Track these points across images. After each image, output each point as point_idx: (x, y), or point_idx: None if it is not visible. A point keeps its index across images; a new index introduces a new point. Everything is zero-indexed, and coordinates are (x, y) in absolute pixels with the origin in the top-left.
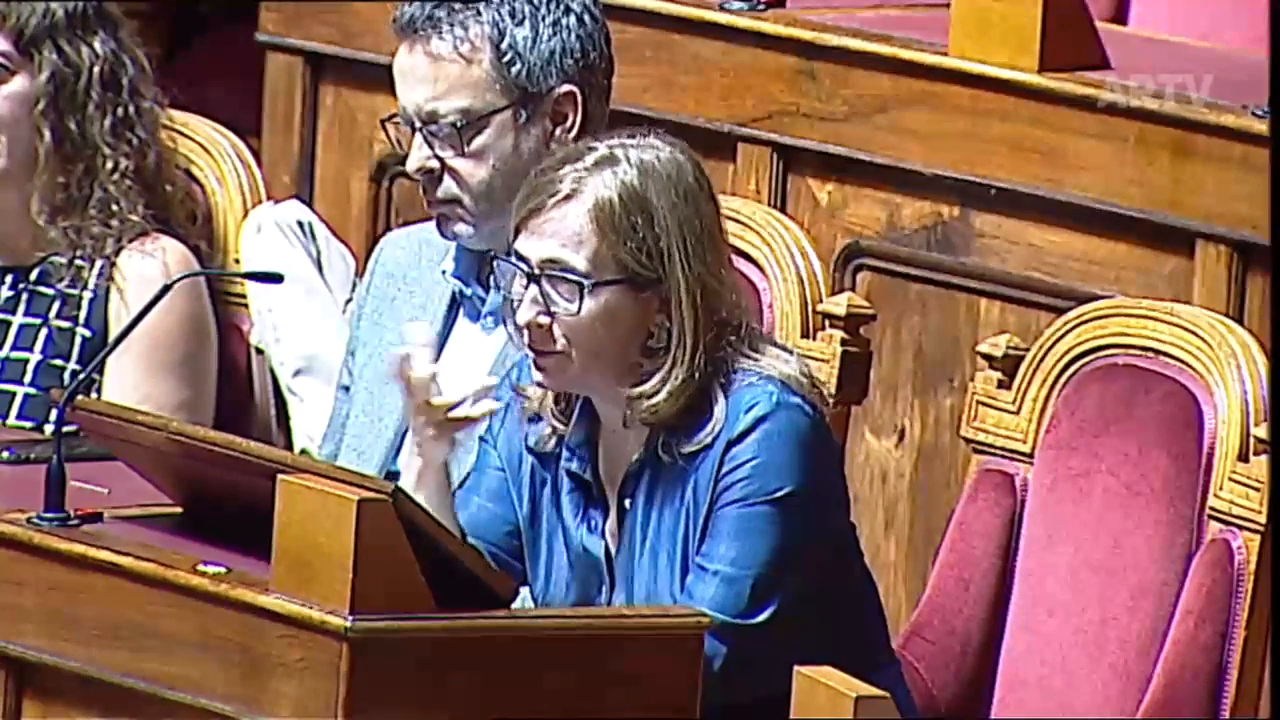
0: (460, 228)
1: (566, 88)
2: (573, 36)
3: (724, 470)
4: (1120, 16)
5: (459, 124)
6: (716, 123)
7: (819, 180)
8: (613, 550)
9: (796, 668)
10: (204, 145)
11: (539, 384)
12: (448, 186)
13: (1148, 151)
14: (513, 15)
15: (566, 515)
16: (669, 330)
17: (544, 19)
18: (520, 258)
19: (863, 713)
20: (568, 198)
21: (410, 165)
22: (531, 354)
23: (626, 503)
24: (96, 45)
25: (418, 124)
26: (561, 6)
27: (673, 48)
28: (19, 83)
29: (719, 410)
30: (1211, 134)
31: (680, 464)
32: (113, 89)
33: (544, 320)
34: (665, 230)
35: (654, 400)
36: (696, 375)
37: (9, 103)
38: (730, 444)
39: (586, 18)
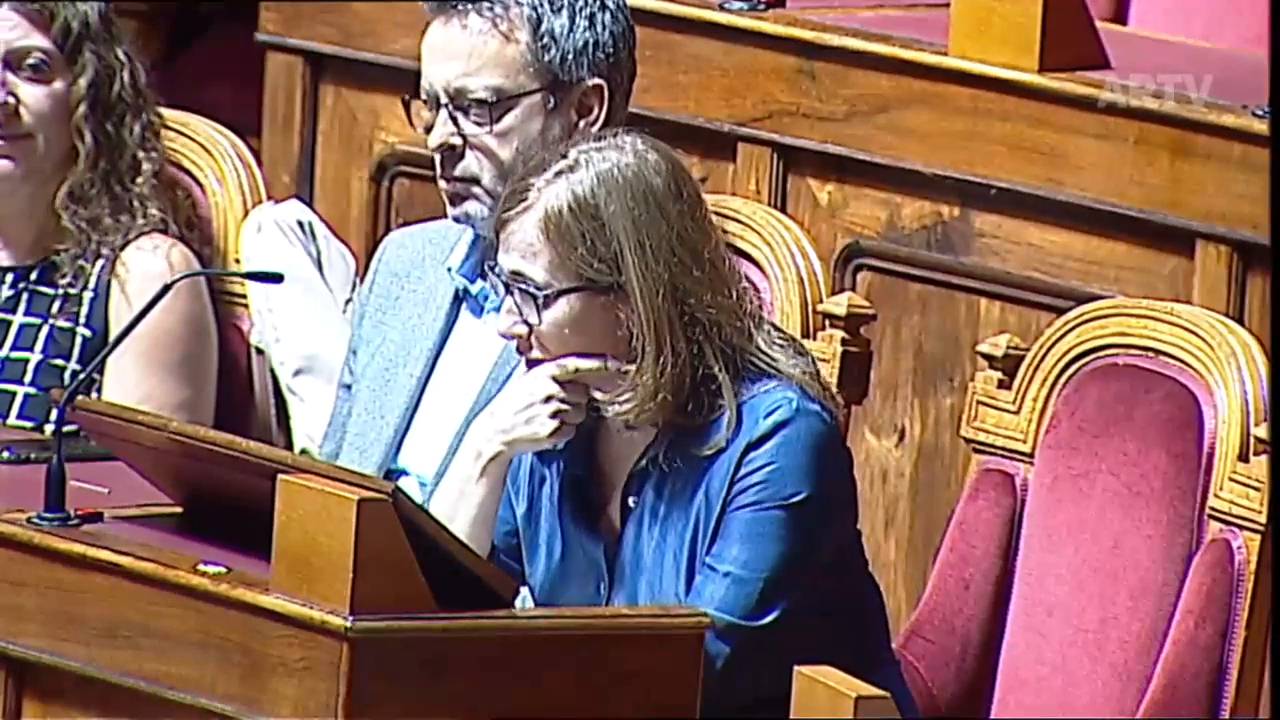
0: (473, 206)
1: (595, 81)
2: (606, 32)
3: (740, 473)
4: (1120, 16)
5: (490, 100)
6: (716, 123)
7: (819, 180)
8: (612, 549)
9: (797, 668)
10: (204, 145)
11: None
12: (467, 164)
13: (1148, 151)
14: (551, 2)
15: (565, 513)
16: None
17: (581, 10)
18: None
19: (863, 713)
20: (526, 209)
21: (432, 141)
22: (521, 359)
23: (631, 501)
24: (120, 51)
25: (444, 100)
26: (598, 1)
27: (673, 48)
28: (59, 84)
29: (733, 413)
30: (1211, 134)
31: (693, 465)
32: (141, 93)
33: (521, 329)
34: (617, 235)
35: (624, 406)
36: (664, 376)
37: (50, 101)
38: (749, 447)
39: (620, 16)
